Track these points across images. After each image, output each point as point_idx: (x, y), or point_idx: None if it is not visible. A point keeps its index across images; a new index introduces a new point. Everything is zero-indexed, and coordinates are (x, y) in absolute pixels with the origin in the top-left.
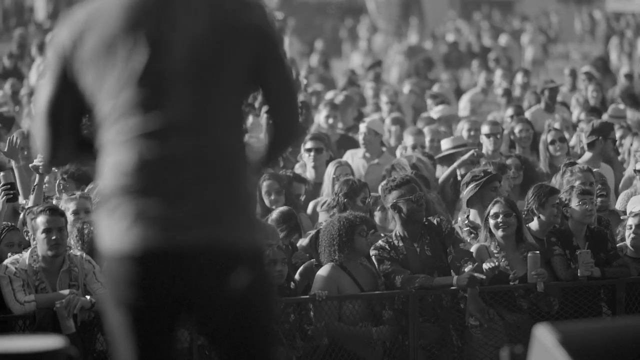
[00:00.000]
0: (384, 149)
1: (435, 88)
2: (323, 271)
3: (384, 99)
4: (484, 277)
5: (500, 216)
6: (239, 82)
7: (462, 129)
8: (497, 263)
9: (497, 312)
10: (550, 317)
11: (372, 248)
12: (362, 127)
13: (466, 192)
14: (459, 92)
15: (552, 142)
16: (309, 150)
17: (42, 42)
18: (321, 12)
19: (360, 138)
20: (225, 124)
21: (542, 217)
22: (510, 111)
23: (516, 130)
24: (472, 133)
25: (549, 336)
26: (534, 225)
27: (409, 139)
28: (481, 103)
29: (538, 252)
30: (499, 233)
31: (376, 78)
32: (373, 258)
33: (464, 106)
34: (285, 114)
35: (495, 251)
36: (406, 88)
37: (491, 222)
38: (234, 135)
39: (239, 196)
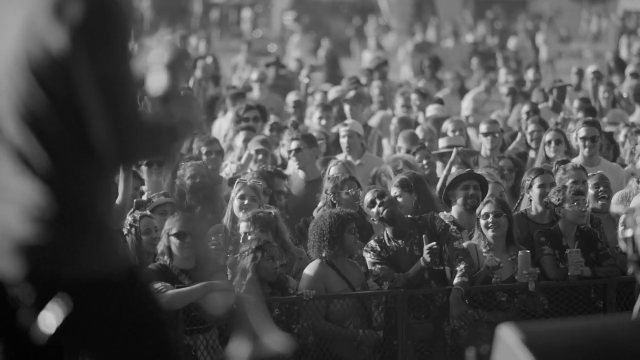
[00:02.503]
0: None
1: (421, 84)
2: (310, 269)
3: (399, 100)
4: (428, 260)
5: (491, 216)
6: (58, 97)
7: (447, 129)
8: (500, 264)
9: (483, 313)
10: (539, 316)
11: (364, 248)
12: (344, 130)
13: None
14: (463, 92)
15: (548, 143)
16: (289, 152)
17: None
18: (334, 11)
19: (344, 141)
20: (59, 147)
21: (532, 199)
22: (526, 107)
23: (529, 129)
24: (456, 133)
25: (513, 336)
26: (531, 210)
27: (403, 144)
28: (484, 102)
29: (529, 251)
30: (488, 233)
31: (382, 77)
32: (366, 258)
33: (467, 105)
34: (103, 126)
35: (484, 250)
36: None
37: (482, 222)
38: (69, 159)
39: (71, 225)
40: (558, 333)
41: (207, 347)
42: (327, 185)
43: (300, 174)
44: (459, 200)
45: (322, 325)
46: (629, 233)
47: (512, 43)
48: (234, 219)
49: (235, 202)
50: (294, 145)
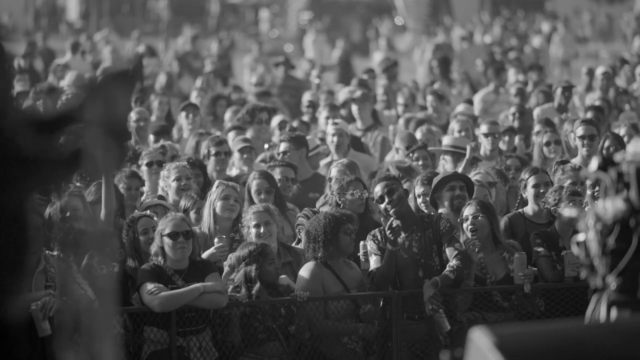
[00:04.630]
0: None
1: (436, 86)
2: (305, 270)
3: (399, 100)
4: (392, 239)
5: (470, 218)
6: None
7: (453, 130)
8: (479, 246)
9: (480, 314)
10: (536, 318)
11: (368, 235)
12: (333, 128)
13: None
14: (472, 91)
15: (547, 144)
16: (278, 154)
17: (76, 42)
18: (351, 11)
19: (334, 139)
20: None
21: (528, 200)
22: (513, 109)
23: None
24: (462, 134)
25: (485, 339)
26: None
27: (401, 144)
28: (493, 103)
29: (524, 253)
30: (469, 235)
31: (391, 78)
32: (367, 246)
33: (476, 106)
34: None
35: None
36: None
37: (464, 224)
38: None
39: None
40: (529, 336)
41: (200, 349)
42: (333, 186)
43: None
44: (446, 202)
45: (322, 324)
46: (581, 237)
47: (536, 41)
48: (217, 219)
49: (219, 203)
50: (282, 147)
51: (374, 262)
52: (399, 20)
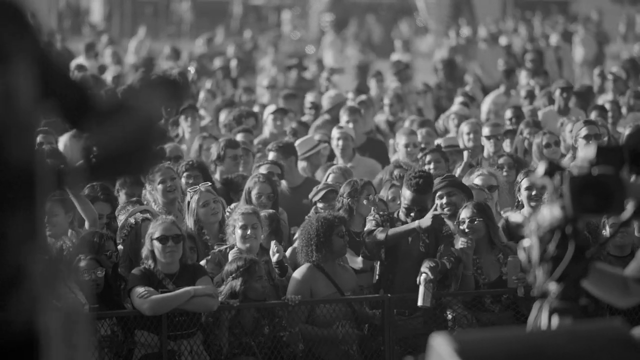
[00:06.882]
0: None
1: (467, 88)
2: (298, 273)
3: (385, 100)
4: (428, 223)
5: (466, 221)
6: None
7: (462, 131)
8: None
9: (474, 316)
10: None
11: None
12: (338, 132)
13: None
14: (484, 93)
15: (547, 146)
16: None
17: (92, 43)
18: (372, 12)
19: (339, 143)
20: None
21: (522, 202)
22: (509, 113)
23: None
24: (471, 136)
25: (446, 345)
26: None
27: (401, 139)
28: (504, 105)
29: (517, 256)
30: (465, 238)
31: (403, 80)
32: (371, 216)
33: (487, 108)
34: None
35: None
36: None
37: (460, 227)
38: None
39: None
40: (490, 343)
41: (191, 353)
42: (344, 189)
43: (283, 182)
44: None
45: (307, 329)
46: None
47: (553, 39)
48: (203, 225)
49: (202, 211)
50: (270, 157)
51: (371, 225)
52: (421, 21)
